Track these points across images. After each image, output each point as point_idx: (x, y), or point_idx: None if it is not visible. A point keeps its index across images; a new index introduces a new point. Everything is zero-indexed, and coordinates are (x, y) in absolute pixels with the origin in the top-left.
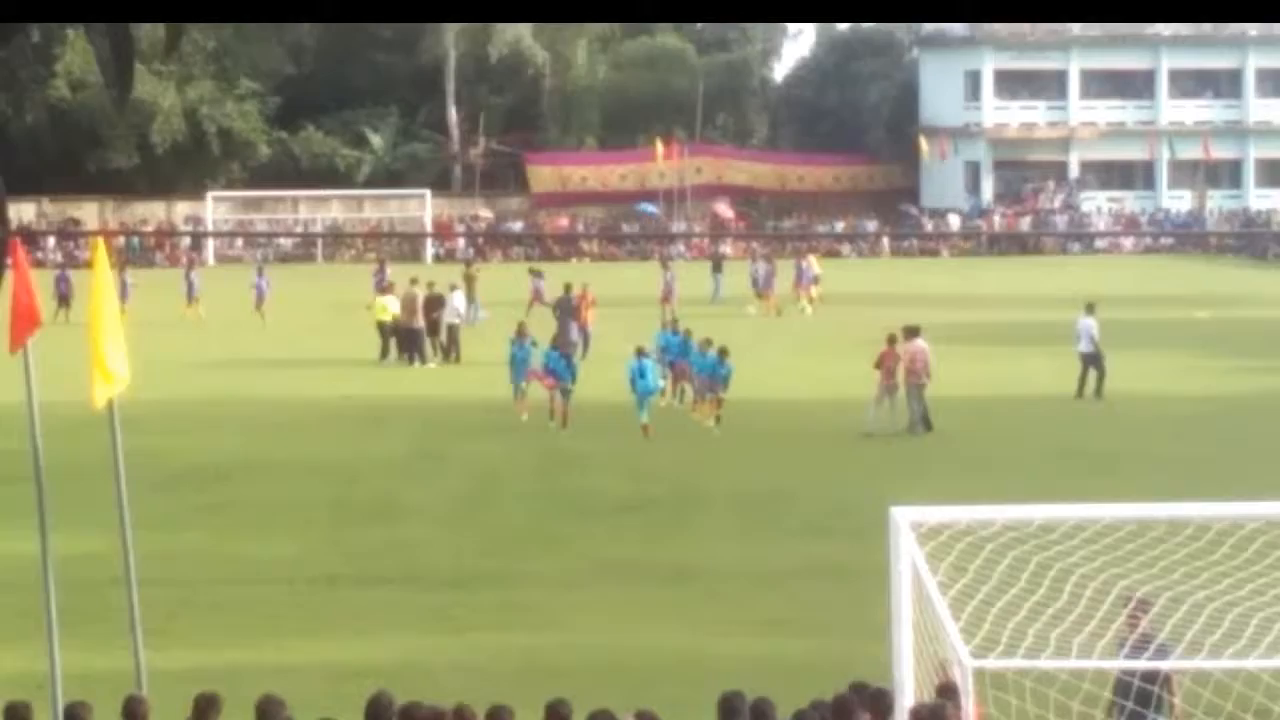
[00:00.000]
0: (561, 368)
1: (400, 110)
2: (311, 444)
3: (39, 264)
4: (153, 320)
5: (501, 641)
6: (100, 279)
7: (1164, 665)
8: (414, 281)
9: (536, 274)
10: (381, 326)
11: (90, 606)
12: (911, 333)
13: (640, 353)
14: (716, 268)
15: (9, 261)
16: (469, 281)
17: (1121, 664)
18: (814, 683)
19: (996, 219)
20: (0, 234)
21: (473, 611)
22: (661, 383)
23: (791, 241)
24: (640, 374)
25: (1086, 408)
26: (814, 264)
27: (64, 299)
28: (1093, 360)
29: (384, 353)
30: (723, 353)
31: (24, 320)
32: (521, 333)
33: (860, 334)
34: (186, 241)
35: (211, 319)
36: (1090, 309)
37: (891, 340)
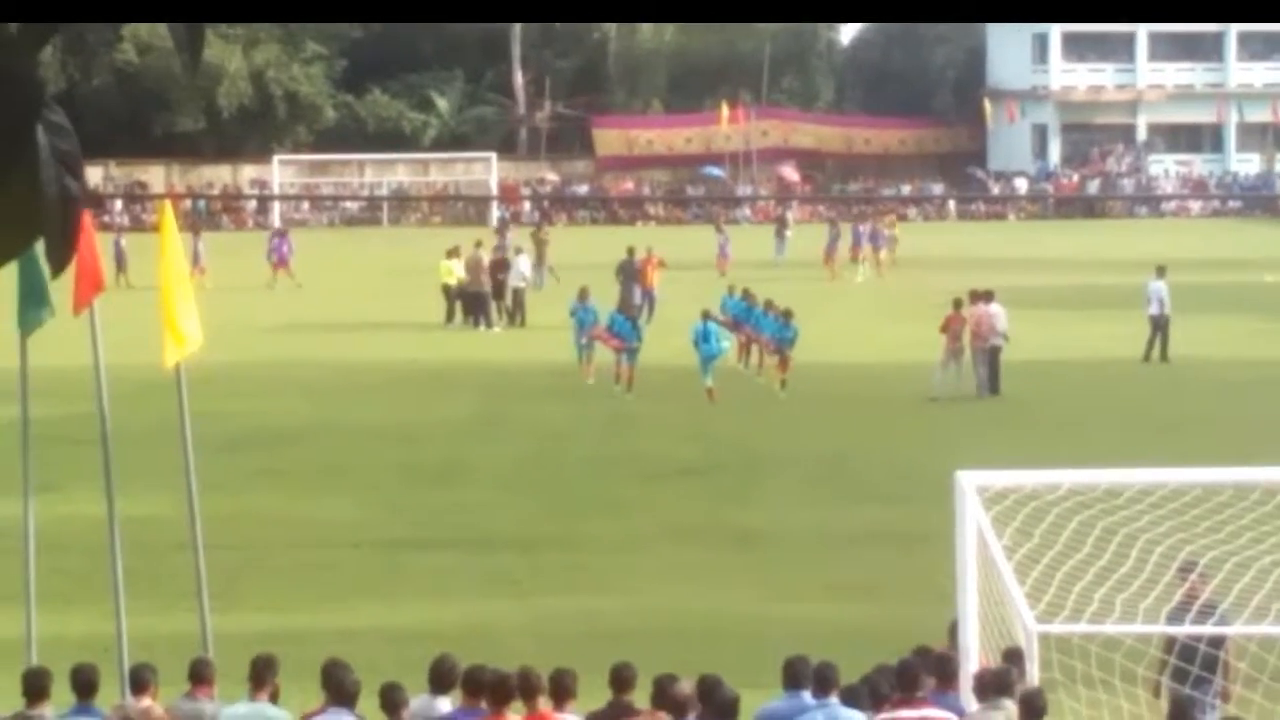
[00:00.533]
0: (627, 330)
1: (466, 73)
2: (376, 407)
3: (105, 227)
4: (219, 284)
5: (565, 605)
6: (168, 242)
7: (1229, 631)
8: (479, 245)
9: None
10: (447, 290)
11: (156, 570)
12: (978, 296)
13: (705, 316)
14: (780, 231)
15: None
16: (539, 246)
17: (1187, 629)
18: (878, 647)
19: (1064, 182)
20: (77, 194)
21: (537, 575)
22: (726, 345)
23: (857, 204)
24: (704, 337)
25: (1152, 372)
26: (889, 227)
27: (120, 263)
28: (1160, 324)
29: (449, 316)
30: (787, 314)
31: (88, 282)
32: (583, 295)
33: (926, 298)
34: (252, 205)
35: (273, 283)
36: (1161, 272)
37: (957, 304)
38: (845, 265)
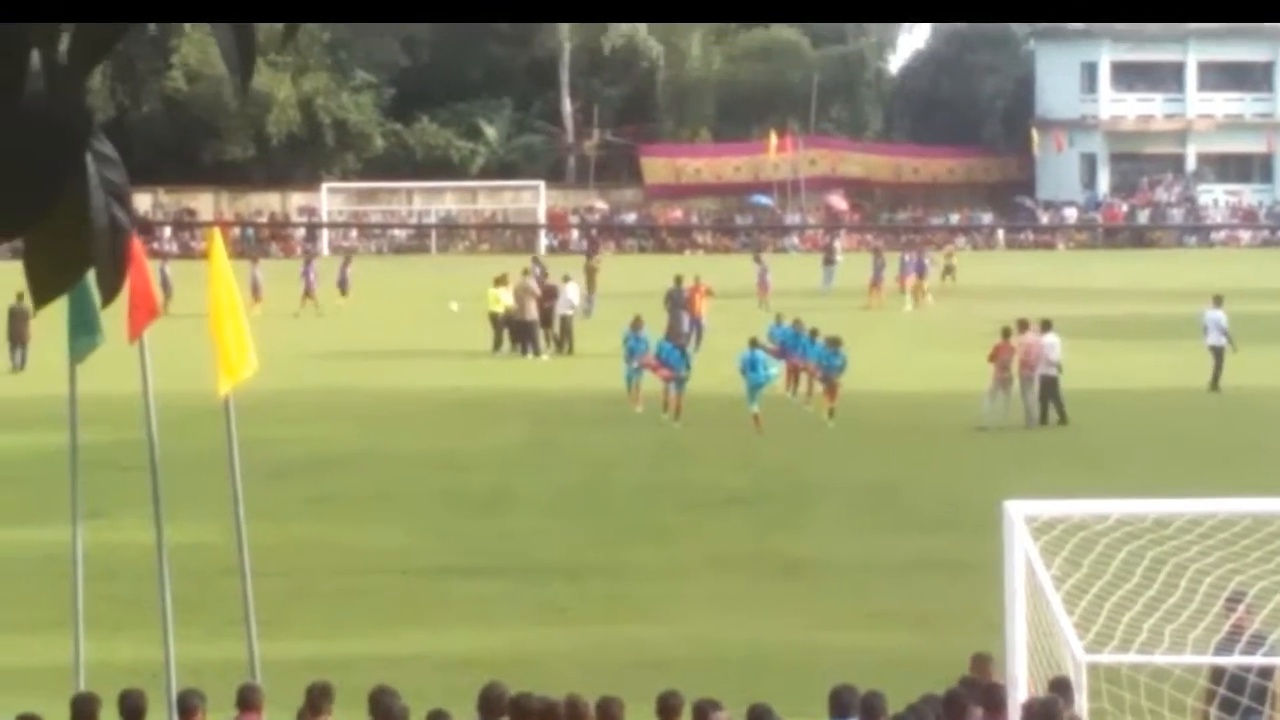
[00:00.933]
0: (675, 358)
1: (514, 102)
2: (424, 435)
3: (155, 254)
4: (267, 311)
5: (612, 633)
6: (218, 269)
7: (1278, 662)
8: (526, 273)
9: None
10: (494, 318)
11: (204, 596)
12: (1025, 326)
13: (753, 344)
14: (829, 260)
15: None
16: (590, 274)
17: (1236, 660)
18: (926, 677)
19: (1113, 212)
20: (126, 225)
21: (583, 603)
22: (774, 372)
23: (905, 234)
24: (751, 365)
25: (1204, 401)
26: (946, 258)
27: (165, 290)
28: (1220, 354)
29: (497, 344)
30: (835, 342)
31: (142, 310)
32: (636, 324)
33: (975, 327)
34: (301, 232)
35: (323, 311)
36: (1218, 301)
37: (1005, 333)
38: (891, 294)
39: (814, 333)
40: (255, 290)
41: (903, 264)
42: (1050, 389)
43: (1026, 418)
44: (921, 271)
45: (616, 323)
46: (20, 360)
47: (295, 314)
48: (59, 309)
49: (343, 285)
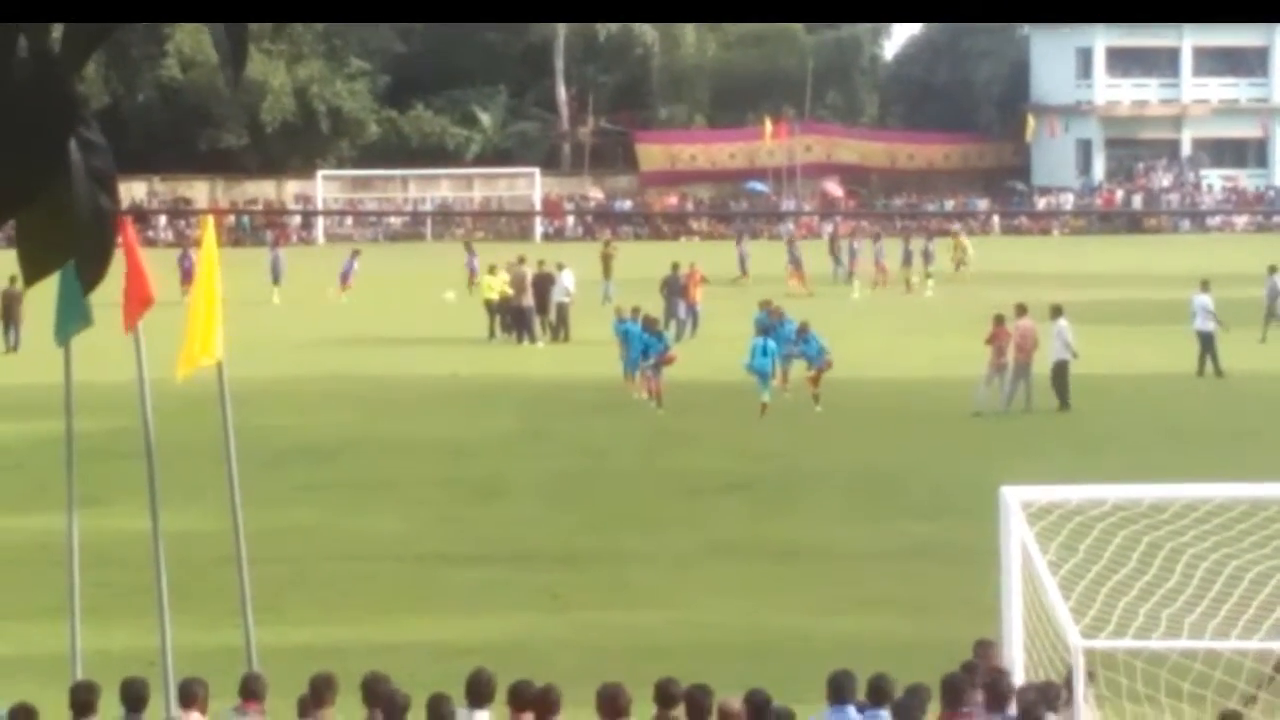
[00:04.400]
0: (653, 345)
1: (509, 89)
2: (420, 422)
3: (150, 243)
4: (260, 299)
5: (607, 620)
6: (208, 257)
7: None
8: (522, 260)
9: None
10: (489, 305)
11: (200, 584)
12: (1023, 310)
13: (803, 328)
14: (835, 254)
15: (119, 240)
16: (606, 261)
17: (1233, 645)
18: (922, 663)
19: (1108, 197)
20: (110, 210)
21: (580, 590)
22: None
23: (901, 220)
24: (759, 352)
25: (1202, 386)
26: (950, 246)
27: (188, 276)
28: (1207, 338)
29: (492, 331)
30: (802, 329)
31: (136, 301)
32: (621, 312)
33: (971, 312)
34: (296, 220)
35: (317, 299)
36: (1205, 286)
37: (999, 319)
38: (893, 281)
39: (804, 326)
40: (276, 277)
41: (905, 252)
42: (1060, 374)
43: (1025, 401)
44: (928, 259)
45: (606, 310)
46: (14, 341)
47: (269, 302)
48: (51, 299)
49: (345, 278)
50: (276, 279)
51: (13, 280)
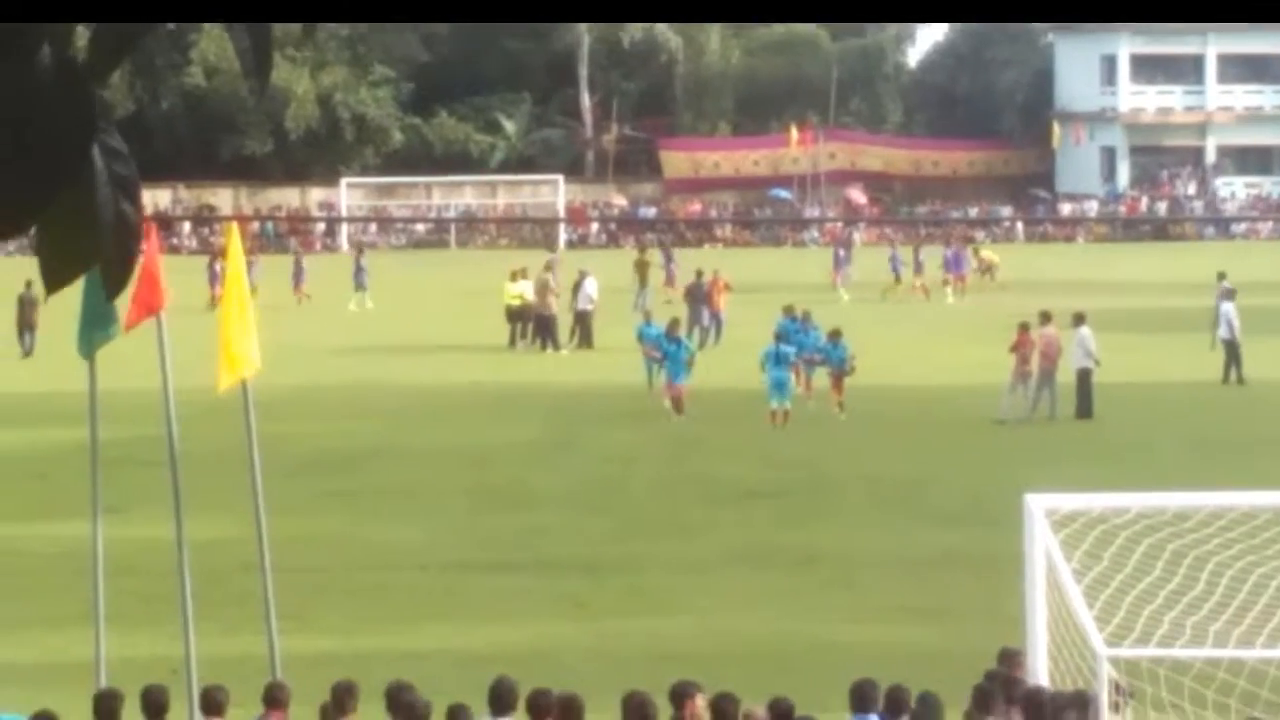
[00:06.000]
0: (672, 351)
1: (533, 96)
2: (443, 430)
3: (174, 250)
4: (286, 305)
5: (631, 627)
6: (234, 264)
7: None
8: (547, 267)
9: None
10: (510, 312)
11: (224, 592)
12: (1047, 318)
13: (834, 335)
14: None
15: (143, 246)
16: (641, 269)
17: (1258, 653)
18: (946, 672)
19: (1133, 204)
20: (132, 217)
21: (604, 597)
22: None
23: (925, 227)
24: (772, 361)
25: (1227, 394)
26: (975, 253)
27: (218, 281)
28: (1232, 346)
29: (513, 339)
30: (834, 335)
31: (141, 304)
32: (647, 319)
33: (995, 320)
34: (320, 227)
35: (341, 305)
36: (1230, 294)
37: (1024, 327)
38: (913, 288)
39: (836, 333)
40: (298, 283)
41: (946, 259)
42: (1083, 382)
43: (1049, 409)
44: (961, 268)
45: (636, 317)
46: (29, 346)
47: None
48: (73, 302)
49: (358, 278)
50: (298, 285)
51: (28, 285)
